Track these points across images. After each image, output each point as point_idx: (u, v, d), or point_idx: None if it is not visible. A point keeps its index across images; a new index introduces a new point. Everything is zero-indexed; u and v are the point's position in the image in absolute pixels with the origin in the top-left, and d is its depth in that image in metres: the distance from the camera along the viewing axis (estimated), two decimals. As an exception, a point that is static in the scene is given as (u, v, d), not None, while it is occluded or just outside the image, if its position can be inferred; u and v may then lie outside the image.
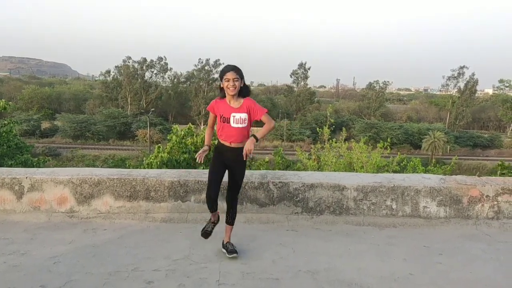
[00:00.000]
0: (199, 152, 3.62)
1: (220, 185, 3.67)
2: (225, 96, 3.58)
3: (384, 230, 4.51)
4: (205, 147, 3.74)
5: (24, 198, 4.61)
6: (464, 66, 71.09)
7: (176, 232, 4.29)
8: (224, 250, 3.73)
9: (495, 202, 4.68)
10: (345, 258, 3.78)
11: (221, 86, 3.54)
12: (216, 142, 3.76)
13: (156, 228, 4.42)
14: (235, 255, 3.64)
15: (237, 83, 3.46)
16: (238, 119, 3.52)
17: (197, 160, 3.58)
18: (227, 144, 3.59)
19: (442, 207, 4.67)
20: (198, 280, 3.28)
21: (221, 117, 3.56)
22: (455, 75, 71.62)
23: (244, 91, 3.57)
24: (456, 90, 72.75)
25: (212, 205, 3.70)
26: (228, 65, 3.52)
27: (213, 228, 3.87)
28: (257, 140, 3.44)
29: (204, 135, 4.04)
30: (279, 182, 4.68)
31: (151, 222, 4.56)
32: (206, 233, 3.84)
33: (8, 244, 3.92)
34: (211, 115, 3.75)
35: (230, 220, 3.77)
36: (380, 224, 4.61)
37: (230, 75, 3.45)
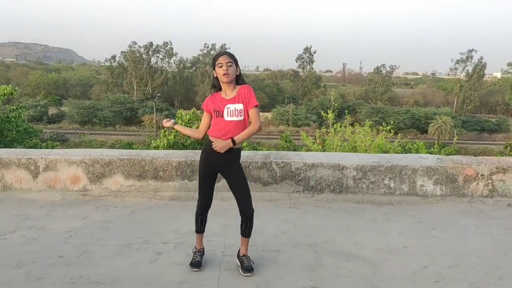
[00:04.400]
0: (166, 120, 3.41)
1: (212, 196, 3.28)
2: (220, 89, 3.16)
3: (382, 207, 4.72)
4: (172, 120, 3.42)
5: (40, 177, 4.86)
6: (472, 50, 70.38)
7: (183, 209, 4.52)
8: (239, 263, 3.26)
9: (490, 181, 4.86)
10: (343, 233, 4.00)
11: (215, 75, 3.11)
12: (203, 143, 3.38)
13: (164, 206, 4.66)
14: (249, 274, 3.14)
15: (231, 68, 3.03)
16: (232, 111, 3.06)
17: (163, 122, 3.44)
18: (214, 140, 3.11)
19: (438, 185, 4.86)
20: (205, 252, 3.51)
21: (215, 112, 3.11)
22: (464, 58, 70.96)
23: (240, 80, 3.15)
24: (464, 74, 72.16)
25: (201, 223, 3.30)
26: (220, 51, 3.25)
27: (202, 257, 3.33)
28: (234, 143, 3.04)
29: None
30: (282, 162, 4.89)
31: (159, 200, 4.80)
32: (196, 264, 3.25)
33: (26, 219, 4.17)
34: (205, 116, 3.26)
35: (247, 233, 3.22)
36: (378, 202, 4.82)
37: (222, 59, 3.03)
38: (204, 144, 3.25)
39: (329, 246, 3.69)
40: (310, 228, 4.10)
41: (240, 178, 3.18)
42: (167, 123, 3.40)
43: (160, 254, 3.48)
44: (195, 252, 3.34)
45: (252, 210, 3.18)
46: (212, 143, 3.07)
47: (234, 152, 3.13)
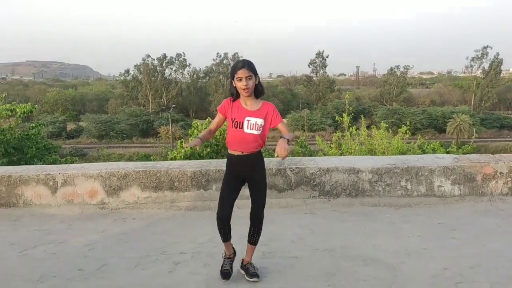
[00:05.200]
0: (190, 143, 3.06)
1: (233, 206, 3.13)
2: (238, 97, 3.07)
3: (399, 209, 4.67)
4: (197, 140, 3.03)
5: (58, 192, 4.95)
6: (487, 46, 69.24)
7: (200, 219, 4.54)
8: (243, 272, 3.23)
9: (509, 179, 4.77)
10: (361, 237, 3.97)
11: (234, 85, 3.00)
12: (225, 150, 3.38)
13: (181, 216, 4.69)
14: (256, 279, 3.15)
15: (250, 82, 2.94)
16: (253, 124, 3.00)
17: (184, 146, 3.22)
18: (238, 153, 3.06)
19: (457, 185, 4.79)
20: (222, 260, 3.52)
21: (233, 121, 3.03)
22: (479, 55, 69.85)
23: (259, 90, 3.06)
24: (480, 71, 71.06)
25: (225, 231, 3.14)
26: (239, 61, 3.01)
27: (231, 265, 3.25)
28: (288, 141, 2.90)
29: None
30: (296, 167, 4.88)
31: (176, 210, 4.83)
32: (226, 274, 3.20)
33: (47, 234, 4.25)
34: (218, 117, 3.18)
35: (254, 240, 3.21)
36: (395, 204, 4.77)
37: (242, 72, 2.92)
38: (227, 159, 3.17)
39: (347, 251, 3.66)
40: (327, 233, 4.07)
41: (260, 183, 3.15)
42: (192, 143, 3.02)
43: (178, 264, 3.50)
44: (225, 258, 3.27)
45: (262, 216, 3.18)
46: (280, 152, 2.81)
47: (256, 158, 3.10)
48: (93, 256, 3.69)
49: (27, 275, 3.36)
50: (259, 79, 3.04)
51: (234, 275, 3.24)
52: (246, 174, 3.12)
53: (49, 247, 3.94)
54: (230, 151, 3.12)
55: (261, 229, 3.22)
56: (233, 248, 3.30)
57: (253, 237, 3.21)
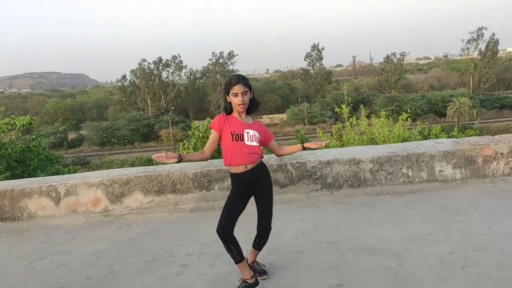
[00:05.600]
0: (161, 154, 2.89)
1: (236, 221, 3.00)
2: (231, 112, 3.03)
3: (402, 197, 4.67)
4: (175, 155, 2.93)
5: (62, 203, 4.96)
6: (483, 27, 69.00)
7: (204, 220, 4.55)
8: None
9: (510, 159, 4.76)
10: (365, 227, 3.97)
11: (228, 100, 2.97)
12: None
13: (185, 218, 4.70)
14: (265, 276, 3.17)
15: (246, 97, 2.93)
16: (252, 136, 2.98)
17: (152, 157, 3.01)
18: (241, 170, 2.97)
19: (458, 169, 4.79)
20: (228, 260, 3.50)
21: (233, 135, 2.95)
22: (474, 37, 69.64)
23: (253, 106, 3.04)
24: (477, 52, 70.84)
25: (234, 251, 2.96)
26: (233, 76, 2.97)
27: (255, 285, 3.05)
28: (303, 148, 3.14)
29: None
30: (296, 162, 4.88)
31: (180, 213, 4.84)
32: None
33: (53, 246, 4.27)
34: (212, 134, 3.07)
35: (260, 247, 3.19)
36: (398, 192, 4.77)
37: (238, 88, 2.89)
38: (232, 177, 3.04)
39: (352, 242, 3.66)
40: (331, 225, 4.08)
41: (268, 197, 3.09)
42: (168, 159, 2.90)
43: (185, 267, 3.51)
44: (241, 282, 3.04)
45: (270, 229, 3.13)
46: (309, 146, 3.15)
47: (260, 169, 3.04)
48: (100, 264, 3.71)
49: (35, 287, 3.38)
50: (253, 94, 3.01)
51: (238, 275, 3.25)
52: (254, 189, 3.05)
53: (56, 258, 3.96)
54: (233, 169, 2.99)
55: (268, 238, 3.16)
56: (249, 265, 3.13)
57: (259, 245, 3.19)
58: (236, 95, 2.90)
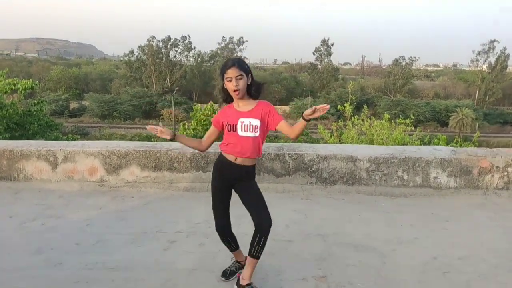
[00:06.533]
0: (157, 127, 2.81)
1: (228, 213, 2.94)
2: (232, 101, 2.82)
3: (395, 199, 4.72)
4: (170, 132, 2.82)
5: (59, 168, 5.01)
6: (494, 40, 68.76)
7: (197, 200, 4.61)
8: None
9: (505, 173, 4.81)
10: (355, 224, 4.03)
11: (224, 87, 2.75)
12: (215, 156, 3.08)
13: (179, 196, 4.75)
14: None
15: (241, 82, 2.66)
16: (247, 126, 2.72)
17: (147, 127, 2.89)
18: (230, 159, 2.78)
19: (453, 177, 4.83)
20: (216, 240, 3.53)
21: (226, 126, 2.78)
22: (485, 49, 69.42)
23: (253, 90, 2.76)
24: (486, 65, 70.61)
25: (227, 240, 2.97)
26: (228, 60, 2.73)
27: (239, 268, 3.07)
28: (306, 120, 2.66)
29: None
30: (295, 153, 4.92)
31: (174, 191, 4.89)
32: (224, 272, 3.06)
33: (46, 209, 4.32)
34: (211, 129, 2.96)
35: (257, 252, 2.74)
36: (391, 193, 4.82)
37: (231, 72, 2.64)
38: (215, 163, 2.93)
39: (339, 237, 3.72)
40: (322, 219, 4.14)
41: (256, 192, 2.83)
42: (162, 134, 2.79)
43: (173, 243, 3.57)
44: (234, 262, 3.11)
45: (271, 223, 2.73)
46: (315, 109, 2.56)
47: (249, 168, 2.82)
48: (90, 231, 3.77)
49: (25, 246, 3.45)
50: (252, 78, 2.74)
51: (228, 253, 3.31)
52: (233, 182, 2.85)
53: (48, 220, 4.01)
54: (223, 154, 2.84)
55: (267, 238, 2.73)
56: (246, 257, 2.96)
57: (256, 248, 2.72)
58: (230, 79, 2.66)
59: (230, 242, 2.97)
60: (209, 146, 2.99)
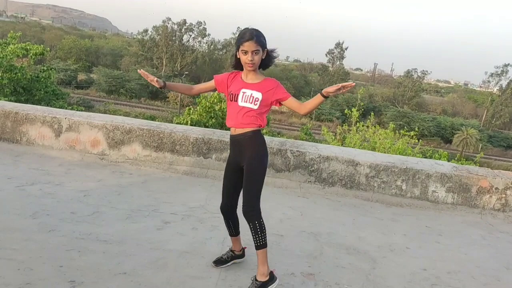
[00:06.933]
0: (148, 74, 2.83)
1: (234, 196, 2.88)
2: (242, 69, 2.78)
3: (391, 208, 4.73)
4: (160, 81, 2.84)
5: (62, 136, 5.03)
6: (508, 64, 68.53)
7: (195, 184, 4.62)
8: None
9: (504, 195, 4.81)
10: (348, 227, 4.04)
11: (237, 56, 2.70)
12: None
13: (177, 179, 4.77)
14: None
15: (257, 57, 2.62)
16: (248, 97, 2.69)
17: (138, 70, 2.94)
18: (232, 132, 2.78)
19: (451, 193, 4.84)
20: (210, 226, 3.61)
21: (229, 95, 2.77)
22: (498, 72, 69.25)
23: (264, 62, 2.73)
24: (497, 88, 70.42)
25: (230, 227, 2.95)
26: (247, 31, 2.65)
27: (231, 258, 3.03)
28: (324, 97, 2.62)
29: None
30: (297, 150, 4.93)
31: (173, 173, 4.91)
32: (216, 260, 3.02)
33: (45, 174, 4.34)
34: (210, 82, 2.96)
35: (256, 242, 2.70)
36: (388, 202, 4.83)
37: (249, 45, 2.58)
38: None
39: (332, 238, 3.74)
40: (316, 218, 4.15)
41: (250, 175, 2.72)
42: (152, 81, 2.81)
43: (167, 224, 3.59)
44: (228, 250, 3.09)
45: (253, 211, 2.67)
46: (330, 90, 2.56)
47: (249, 141, 2.73)
48: (87, 202, 3.79)
49: (20, 209, 3.46)
50: (267, 52, 2.71)
51: (219, 239, 3.33)
52: (240, 160, 2.78)
53: (46, 186, 4.03)
54: (230, 131, 2.83)
55: (262, 227, 2.68)
56: (243, 249, 3.05)
57: (254, 238, 2.69)
58: (245, 52, 2.61)
59: (230, 225, 2.94)
60: (197, 93, 3.05)
